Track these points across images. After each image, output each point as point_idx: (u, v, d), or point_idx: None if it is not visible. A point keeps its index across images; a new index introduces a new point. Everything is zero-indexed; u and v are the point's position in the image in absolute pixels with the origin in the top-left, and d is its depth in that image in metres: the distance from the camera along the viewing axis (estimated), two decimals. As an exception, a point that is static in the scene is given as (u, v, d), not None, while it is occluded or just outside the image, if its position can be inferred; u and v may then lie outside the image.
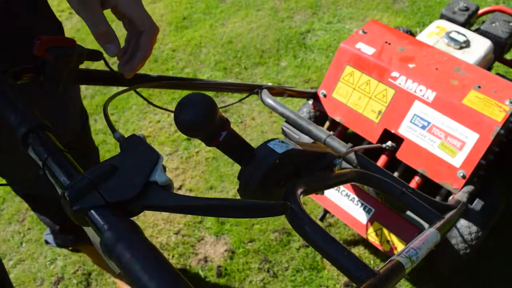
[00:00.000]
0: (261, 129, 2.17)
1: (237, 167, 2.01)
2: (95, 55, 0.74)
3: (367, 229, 1.44)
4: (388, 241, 1.42)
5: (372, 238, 1.44)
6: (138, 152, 0.48)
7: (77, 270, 1.71)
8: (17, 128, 0.54)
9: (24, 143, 0.53)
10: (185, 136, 2.16)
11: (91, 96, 2.39)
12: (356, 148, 1.10)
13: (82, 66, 0.77)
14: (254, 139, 2.13)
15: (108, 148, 2.12)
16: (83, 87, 2.43)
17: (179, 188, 1.97)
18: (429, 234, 0.65)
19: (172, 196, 0.45)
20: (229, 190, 1.93)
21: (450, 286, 1.62)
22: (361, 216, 1.46)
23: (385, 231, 1.42)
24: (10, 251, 1.78)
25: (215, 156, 2.07)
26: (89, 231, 0.43)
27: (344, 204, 1.50)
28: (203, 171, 2.02)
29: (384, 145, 1.42)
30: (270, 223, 1.81)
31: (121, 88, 0.81)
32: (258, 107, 2.27)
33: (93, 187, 0.43)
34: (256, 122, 2.21)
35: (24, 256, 1.76)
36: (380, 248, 1.43)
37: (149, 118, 2.26)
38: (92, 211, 0.42)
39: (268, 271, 1.67)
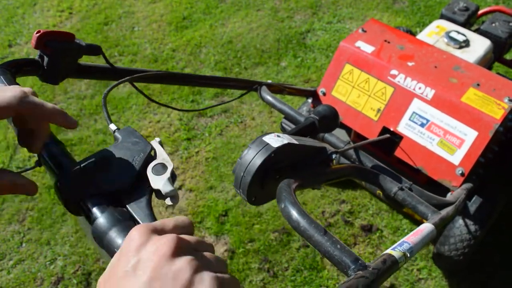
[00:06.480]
0: (261, 129, 2.17)
1: (237, 167, 2.01)
2: (93, 50, 0.74)
3: None
4: None
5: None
6: (132, 143, 0.48)
7: (77, 270, 1.71)
8: None
9: None
10: (185, 136, 2.16)
11: (91, 96, 2.40)
12: (355, 145, 1.09)
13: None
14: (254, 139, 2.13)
15: (108, 148, 2.12)
16: (83, 88, 2.44)
17: (179, 188, 1.97)
18: (425, 229, 0.65)
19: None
20: (229, 190, 1.93)
21: (450, 285, 1.62)
22: None
23: None
24: (10, 251, 1.78)
25: (215, 156, 2.07)
26: (81, 221, 0.44)
27: None
28: (203, 171, 2.02)
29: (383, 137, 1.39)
30: (270, 223, 1.80)
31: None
32: (258, 107, 2.27)
33: (86, 176, 0.43)
34: (256, 122, 2.21)
35: (24, 256, 1.76)
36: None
37: (149, 118, 2.27)
38: (84, 200, 0.42)
39: (268, 271, 1.67)
